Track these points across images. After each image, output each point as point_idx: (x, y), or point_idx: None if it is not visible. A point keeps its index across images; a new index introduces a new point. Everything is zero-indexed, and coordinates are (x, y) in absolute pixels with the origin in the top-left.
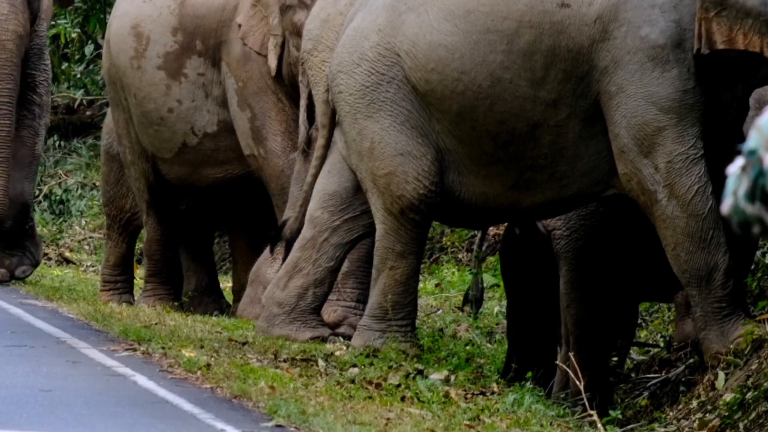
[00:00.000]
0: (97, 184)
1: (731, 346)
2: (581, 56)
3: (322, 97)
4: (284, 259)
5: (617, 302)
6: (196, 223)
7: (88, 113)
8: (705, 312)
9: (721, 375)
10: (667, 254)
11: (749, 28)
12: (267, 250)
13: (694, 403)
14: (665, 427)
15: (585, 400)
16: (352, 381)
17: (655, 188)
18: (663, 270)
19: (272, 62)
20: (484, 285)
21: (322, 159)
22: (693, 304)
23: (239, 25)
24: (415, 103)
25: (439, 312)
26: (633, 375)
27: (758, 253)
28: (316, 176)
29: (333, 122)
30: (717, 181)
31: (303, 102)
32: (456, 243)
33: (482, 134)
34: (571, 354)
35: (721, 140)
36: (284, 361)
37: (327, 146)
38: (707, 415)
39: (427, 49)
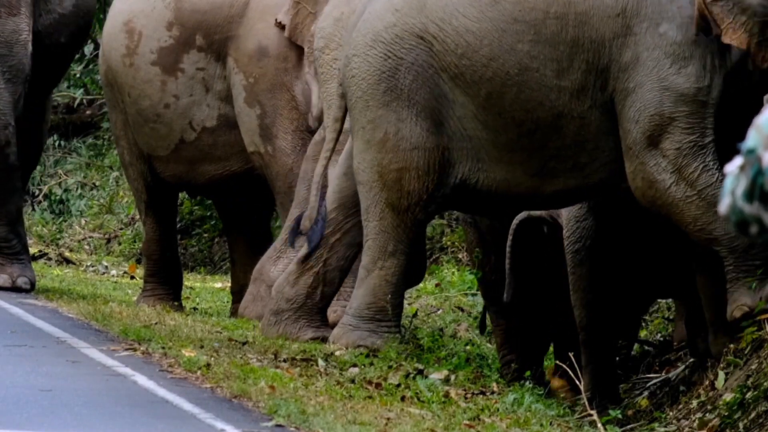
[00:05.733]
0: (98, 183)
1: (761, 301)
2: (603, 49)
3: (336, 91)
4: (309, 253)
5: (624, 302)
6: None
7: (88, 113)
8: (738, 272)
9: (721, 375)
10: (689, 233)
11: (741, 25)
12: (271, 249)
13: (694, 403)
14: (665, 427)
15: (585, 399)
16: (352, 381)
17: (662, 177)
18: (671, 266)
19: None
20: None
21: (332, 152)
22: (726, 267)
23: (281, 24)
24: (434, 89)
25: (439, 312)
26: (633, 375)
27: None
28: (325, 168)
29: (345, 116)
30: None
31: (315, 89)
32: (456, 243)
33: (508, 121)
34: (571, 354)
35: (738, 134)
36: (284, 361)
37: (336, 140)
38: (707, 415)
39: (455, 35)
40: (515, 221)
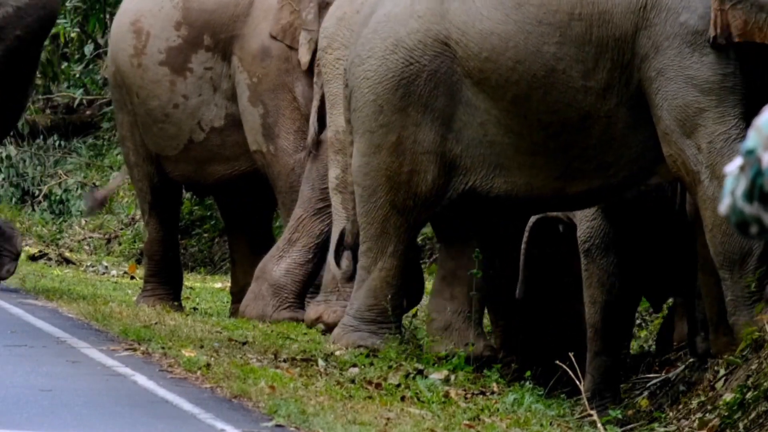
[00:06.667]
0: (98, 183)
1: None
2: (626, 44)
3: (343, 92)
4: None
5: (634, 301)
6: None
7: (87, 113)
8: (735, 296)
9: (722, 374)
10: (705, 236)
11: (764, 22)
12: (274, 248)
13: (694, 403)
14: (665, 427)
15: (585, 399)
16: (352, 381)
17: (698, 169)
18: (675, 264)
19: (304, 57)
20: None
21: None
22: (724, 288)
23: None
24: (456, 96)
25: None
26: (633, 375)
27: None
28: None
29: None
30: None
31: (315, 103)
32: None
33: (533, 123)
34: (571, 354)
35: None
36: (284, 361)
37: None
38: (707, 415)
39: (479, 38)
40: (531, 220)
